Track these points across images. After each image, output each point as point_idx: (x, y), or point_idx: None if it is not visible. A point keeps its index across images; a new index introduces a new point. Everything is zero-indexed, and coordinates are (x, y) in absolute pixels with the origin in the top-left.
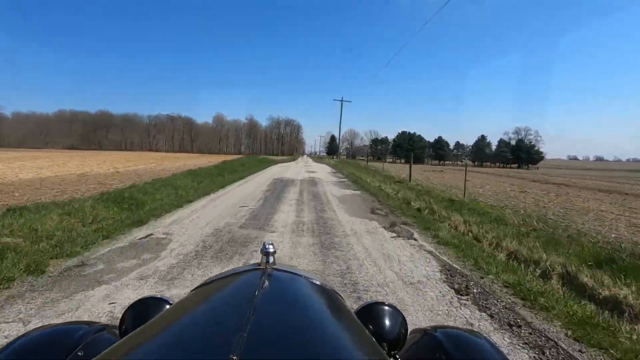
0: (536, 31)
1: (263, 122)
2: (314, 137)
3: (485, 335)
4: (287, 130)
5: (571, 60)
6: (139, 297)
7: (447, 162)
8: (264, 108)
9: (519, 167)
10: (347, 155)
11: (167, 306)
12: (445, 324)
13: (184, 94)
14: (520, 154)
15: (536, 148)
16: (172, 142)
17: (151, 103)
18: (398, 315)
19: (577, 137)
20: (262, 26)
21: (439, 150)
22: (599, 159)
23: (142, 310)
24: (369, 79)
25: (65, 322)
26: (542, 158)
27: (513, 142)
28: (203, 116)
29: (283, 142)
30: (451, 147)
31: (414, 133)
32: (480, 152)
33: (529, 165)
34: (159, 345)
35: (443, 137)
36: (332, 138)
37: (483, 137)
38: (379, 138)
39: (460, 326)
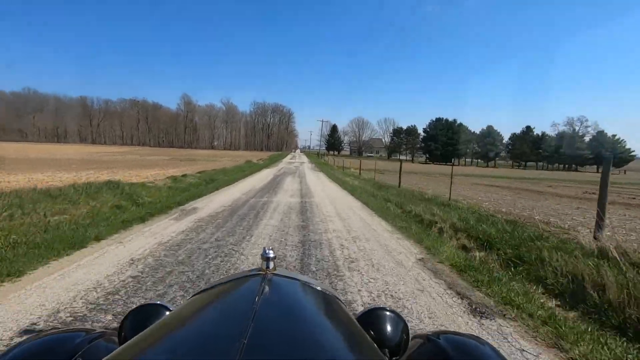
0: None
1: (246, 108)
2: (308, 129)
3: (488, 341)
4: (274, 119)
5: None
6: (139, 304)
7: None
8: (249, 96)
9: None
10: (350, 151)
11: (167, 312)
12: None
13: (161, 82)
14: (603, 152)
15: (621, 144)
16: (122, 132)
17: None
18: (399, 321)
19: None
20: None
21: (490, 146)
22: None
23: (142, 316)
24: (373, 65)
25: (65, 329)
26: (632, 158)
27: (587, 138)
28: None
29: (270, 133)
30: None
31: (454, 121)
32: (554, 149)
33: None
34: (158, 352)
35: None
36: (334, 129)
37: (529, 129)
38: (403, 128)
39: (463, 332)
